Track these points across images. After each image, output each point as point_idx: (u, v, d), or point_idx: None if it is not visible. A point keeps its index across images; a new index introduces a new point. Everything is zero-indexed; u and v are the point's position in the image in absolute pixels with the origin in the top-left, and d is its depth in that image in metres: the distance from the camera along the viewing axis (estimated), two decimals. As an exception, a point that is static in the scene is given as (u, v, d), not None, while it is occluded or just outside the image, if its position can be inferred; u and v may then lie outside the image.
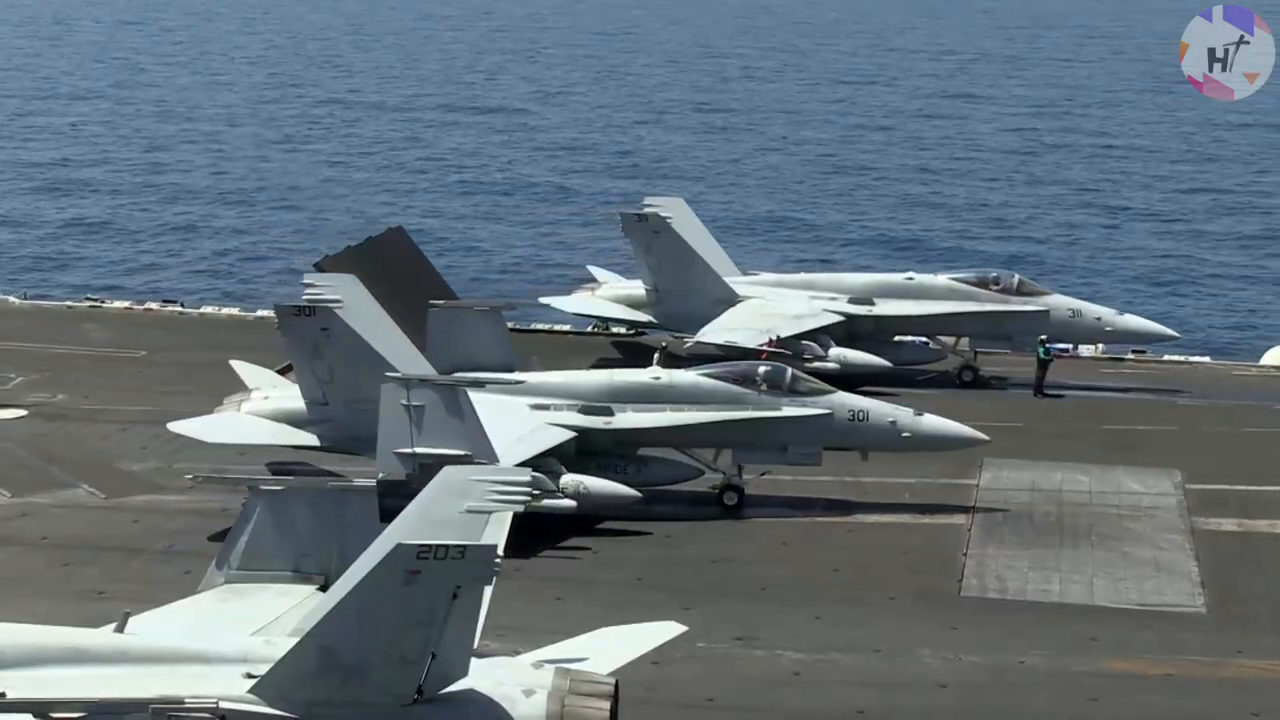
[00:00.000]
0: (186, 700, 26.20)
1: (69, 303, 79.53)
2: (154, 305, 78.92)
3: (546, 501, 47.33)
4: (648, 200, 71.67)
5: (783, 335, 63.48)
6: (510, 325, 76.90)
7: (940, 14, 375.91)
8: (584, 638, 30.77)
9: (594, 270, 74.27)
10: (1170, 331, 69.95)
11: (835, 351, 64.24)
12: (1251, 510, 51.55)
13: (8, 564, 45.10)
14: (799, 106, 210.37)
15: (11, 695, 26.28)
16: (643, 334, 71.86)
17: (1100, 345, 70.60)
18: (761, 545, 48.05)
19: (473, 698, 27.11)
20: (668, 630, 32.01)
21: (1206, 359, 73.65)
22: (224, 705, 26.37)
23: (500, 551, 27.37)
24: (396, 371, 47.62)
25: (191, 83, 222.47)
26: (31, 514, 49.29)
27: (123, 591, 40.66)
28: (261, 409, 52.02)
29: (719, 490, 51.47)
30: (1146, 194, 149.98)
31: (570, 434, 50.11)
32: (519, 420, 49.98)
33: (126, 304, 79.23)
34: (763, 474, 52.36)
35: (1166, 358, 71.76)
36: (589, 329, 73.95)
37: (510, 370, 53.81)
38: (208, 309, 78.81)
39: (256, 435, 51.46)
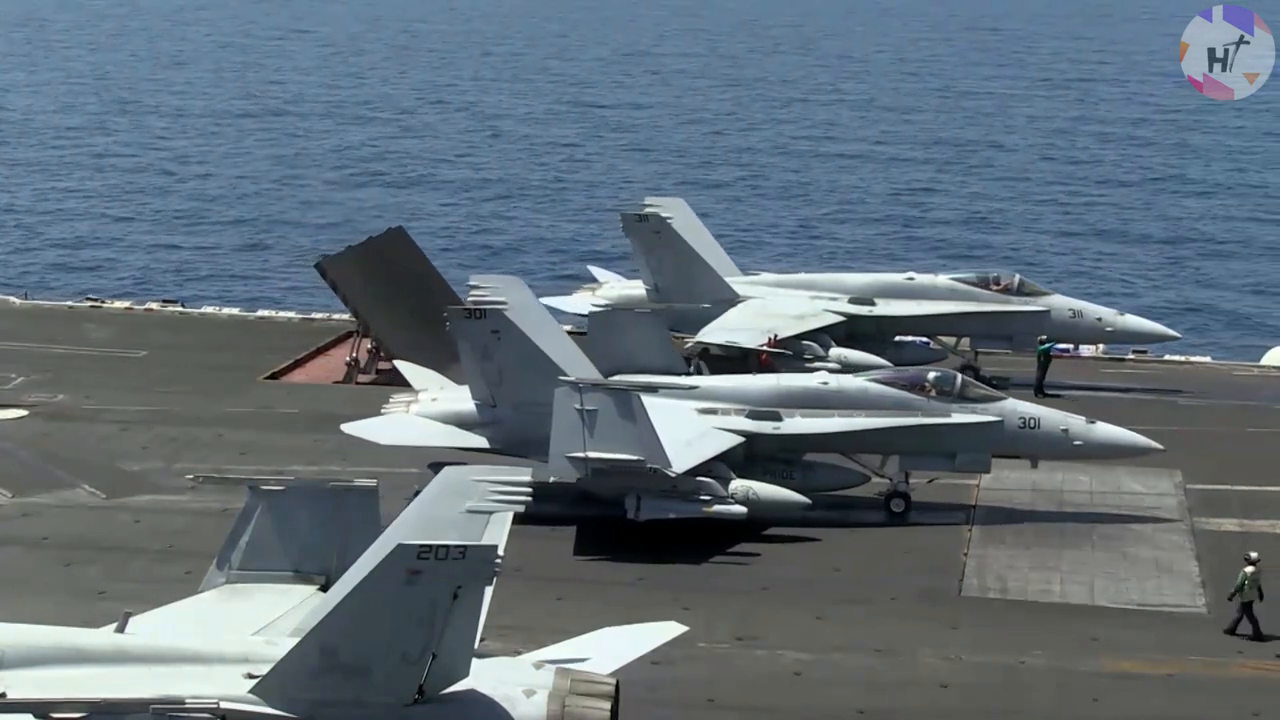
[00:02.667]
0: (187, 700, 26.24)
1: (69, 303, 79.56)
2: (154, 305, 78.98)
3: (717, 508, 47.47)
4: (648, 200, 71.60)
5: (783, 335, 63.45)
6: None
7: (939, 8, 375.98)
8: (585, 638, 30.81)
9: (594, 270, 74.21)
10: (1170, 331, 69.88)
11: (836, 352, 64.08)
12: (1252, 510, 51.55)
13: (8, 564, 45.13)
14: (800, 106, 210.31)
15: (12, 695, 26.33)
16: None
17: (1101, 345, 70.59)
18: (762, 545, 48.01)
19: (474, 698, 27.14)
20: (668, 630, 32.06)
21: (1207, 359, 73.64)
22: (225, 705, 26.41)
23: (501, 552, 27.41)
24: (564, 374, 47.59)
25: (192, 83, 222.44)
26: (32, 514, 49.31)
27: (123, 591, 40.68)
28: (430, 410, 51.63)
29: (885, 497, 50.87)
30: (1147, 194, 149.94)
31: (739, 439, 49.64)
32: (688, 425, 49.62)
33: (126, 304, 79.26)
34: (929, 481, 51.81)
35: (1167, 358, 71.77)
36: (590, 329, 73.76)
37: (672, 372, 53.67)
38: (208, 309, 78.89)
39: (426, 437, 50.94)
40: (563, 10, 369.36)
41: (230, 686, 26.81)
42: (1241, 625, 41.81)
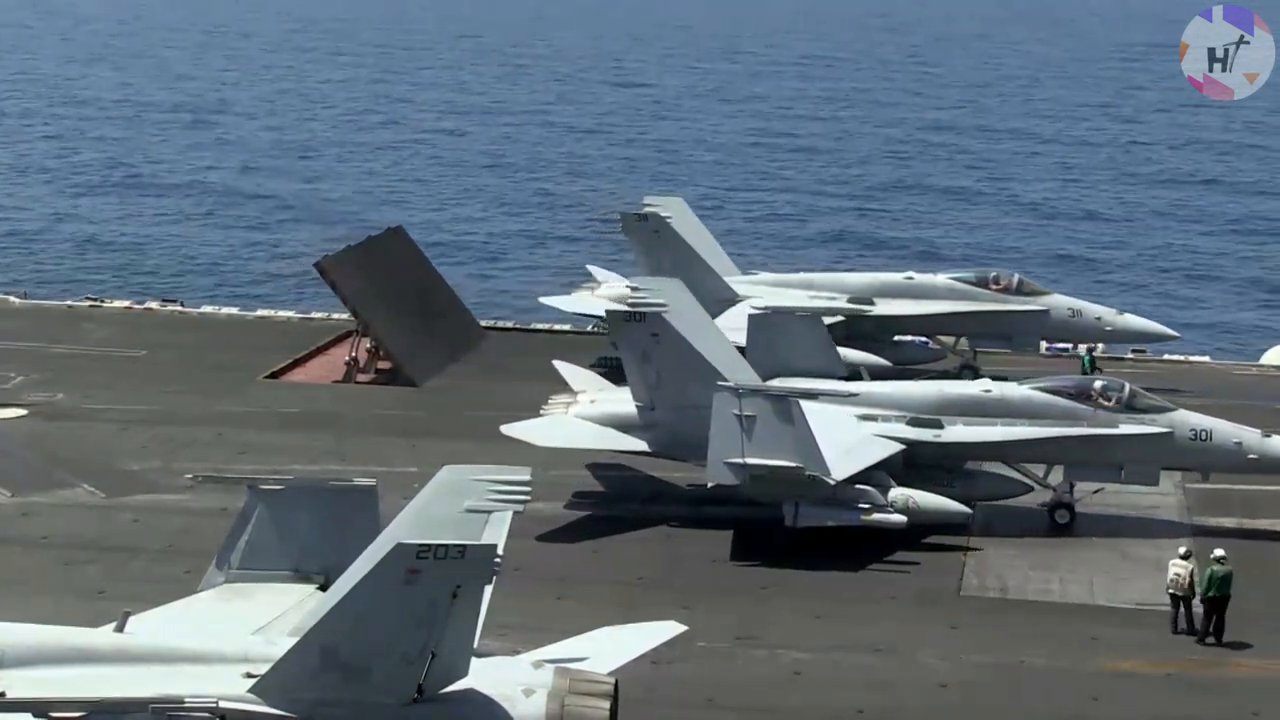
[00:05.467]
0: (186, 700, 26.18)
1: (69, 303, 79.56)
2: (154, 305, 79.01)
3: (876, 516, 47.07)
4: (648, 200, 71.63)
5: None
6: (509, 325, 77.28)
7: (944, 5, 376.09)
8: (584, 637, 30.76)
9: (594, 270, 74.17)
10: (1170, 331, 69.81)
11: (834, 351, 64.02)
12: (1252, 510, 51.55)
13: (8, 564, 45.11)
14: (801, 106, 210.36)
15: (11, 695, 26.30)
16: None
17: (1100, 345, 70.55)
18: (761, 545, 48.00)
19: (473, 697, 27.12)
20: (668, 630, 32.02)
21: (1206, 359, 73.62)
22: (224, 705, 26.36)
23: (500, 551, 27.39)
24: (723, 377, 47.34)
25: (193, 81, 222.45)
26: (32, 514, 49.32)
27: (123, 591, 40.67)
28: (589, 412, 51.20)
29: (1050, 508, 50.29)
30: (1147, 194, 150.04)
31: (899, 446, 49.07)
32: (847, 432, 49.11)
33: (126, 304, 79.30)
34: (1095, 491, 51.28)
35: (1166, 358, 71.72)
36: (589, 329, 73.78)
37: (834, 375, 53.37)
38: (208, 308, 78.94)
39: (585, 439, 50.67)
40: (565, 8, 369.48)
41: (230, 686, 26.79)
42: (1245, 627, 41.78)
